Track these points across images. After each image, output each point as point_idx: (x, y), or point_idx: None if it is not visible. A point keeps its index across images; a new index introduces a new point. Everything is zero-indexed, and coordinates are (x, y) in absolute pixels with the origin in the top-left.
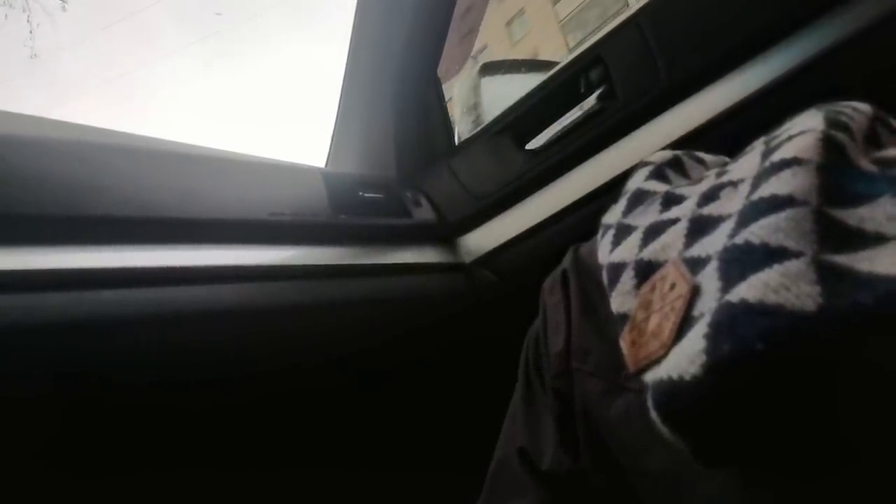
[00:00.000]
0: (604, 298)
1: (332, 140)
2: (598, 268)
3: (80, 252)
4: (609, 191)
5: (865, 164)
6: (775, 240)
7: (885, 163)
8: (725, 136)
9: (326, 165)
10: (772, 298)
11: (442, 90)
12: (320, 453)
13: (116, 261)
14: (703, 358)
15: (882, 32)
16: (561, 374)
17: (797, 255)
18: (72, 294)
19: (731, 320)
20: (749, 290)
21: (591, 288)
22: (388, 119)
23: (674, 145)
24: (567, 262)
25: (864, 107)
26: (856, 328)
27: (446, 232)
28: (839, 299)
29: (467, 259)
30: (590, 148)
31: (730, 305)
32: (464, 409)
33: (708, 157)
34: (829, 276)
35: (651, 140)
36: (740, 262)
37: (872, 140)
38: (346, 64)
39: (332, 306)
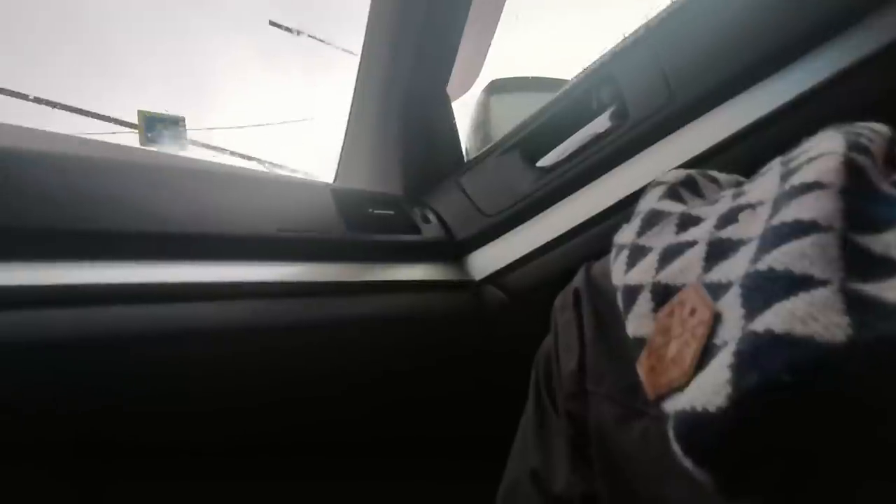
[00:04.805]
0: (618, 320)
1: (341, 156)
2: (612, 288)
3: (86, 268)
4: (620, 210)
5: (887, 187)
6: (800, 267)
7: None
8: (738, 156)
9: (335, 181)
10: (799, 329)
11: (451, 107)
12: (331, 469)
13: (122, 277)
14: (728, 389)
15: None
16: (573, 395)
17: (823, 283)
18: (77, 310)
19: (756, 351)
20: (774, 319)
21: (604, 308)
22: (397, 136)
23: (686, 165)
24: (579, 280)
25: (882, 128)
26: (886, 361)
27: (455, 249)
28: (868, 331)
29: (476, 277)
30: (601, 166)
31: (755, 335)
32: (472, 426)
33: (722, 177)
34: (857, 305)
35: (663, 159)
36: (764, 289)
37: (890, 163)
38: (356, 80)
39: (339, 323)
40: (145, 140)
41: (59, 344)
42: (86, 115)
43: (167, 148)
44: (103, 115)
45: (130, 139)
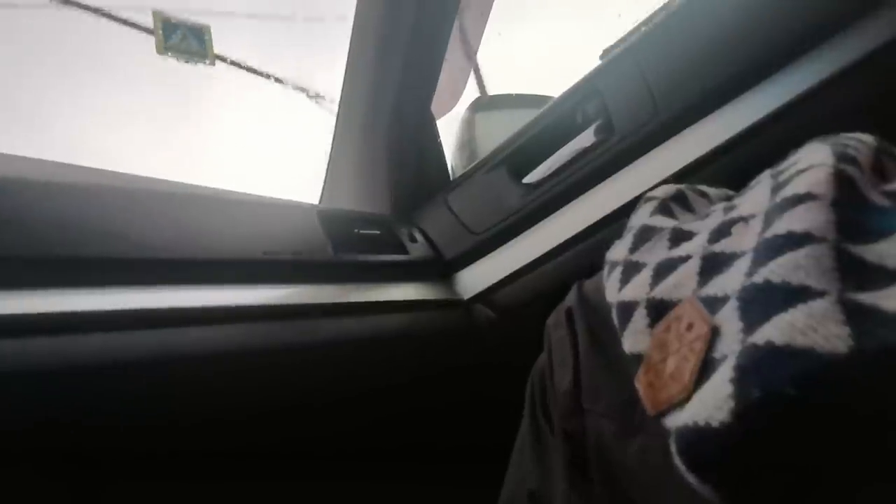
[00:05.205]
0: (612, 337)
1: (326, 177)
2: (606, 305)
3: (70, 295)
4: (607, 225)
5: (877, 197)
6: (796, 278)
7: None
8: (724, 167)
9: (320, 203)
10: (800, 341)
11: (436, 126)
12: (320, 492)
13: (107, 303)
14: (731, 404)
15: (879, 63)
16: (570, 414)
17: (821, 294)
18: (62, 338)
19: (757, 364)
20: (774, 331)
21: (598, 326)
22: (382, 155)
23: (673, 178)
24: (572, 298)
25: (868, 138)
26: (888, 370)
27: (444, 268)
28: (869, 340)
29: (465, 295)
30: (587, 181)
31: (755, 348)
32: (465, 446)
33: (711, 191)
34: (855, 315)
35: (649, 173)
36: (761, 302)
37: (878, 172)
38: (340, 100)
39: (328, 344)
40: (163, 48)
41: (39, 374)
42: (98, 13)
43: (190, 60)
44: (117, 17)
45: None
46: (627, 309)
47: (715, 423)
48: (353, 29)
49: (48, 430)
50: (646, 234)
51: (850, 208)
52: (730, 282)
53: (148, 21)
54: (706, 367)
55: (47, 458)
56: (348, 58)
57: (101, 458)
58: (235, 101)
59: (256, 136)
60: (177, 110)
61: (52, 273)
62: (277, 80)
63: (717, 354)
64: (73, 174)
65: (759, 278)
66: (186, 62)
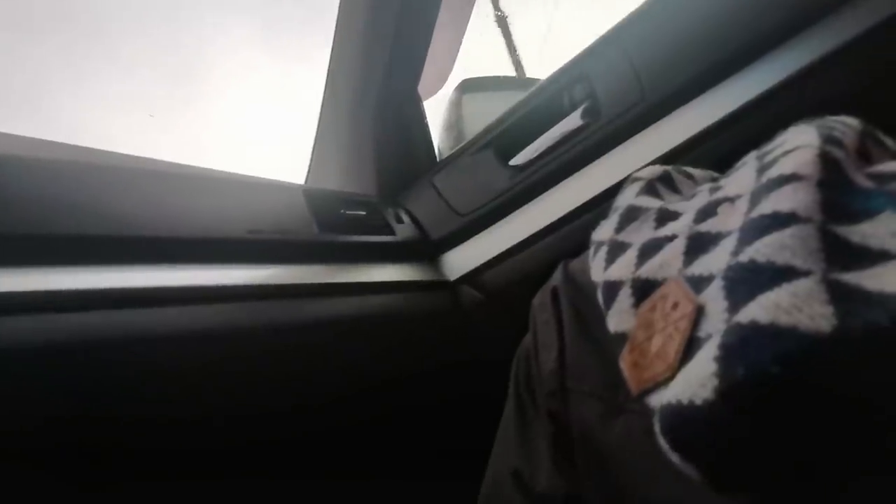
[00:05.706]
0: (598, 317)
1: (312, 157)
2: (591, 285)
3: (51, 273)
4: (594, 207)
5: (861, 179)
6: (782, 258)
7: (880, 178)
8: (710, 151)
9: (306, 182)
10: (784, 320)
11: (423, 107)
12: (303, 474)
13: (88, 282)
14: (715, 381)
15: (864, 48)
16: (554, 393)
17: (806, 273)
18: (43, 317)
19: (742, 342)
20: (759, 310)
21: (583, 305)
22: (368, 136)
23: (659, 161)
24: (557, 278)
25: (853, 121)
26: (873, 349)
27: (430, 249)
28: (853, 319)
29: (452, 276)
30: (574, 164)
31: (740, 327)
32: (450, 425)
33: (696, 172)
34: (840, 295)
35: (635, 156)
36: (747, 281)
37: (863, 155)
38: (326, 80)
39: (313, 325)
40: None
41: (18, 352)
42: None
43: None
44: None
45: None
46: (613, 288)
47: (698, 402)
48: (340, 8)
49: (20, 408)
50: (632, 214)
51: (836, 189)
52: (715, 261)
53: None
54: (691, 346)
55: (20, 431)
56: (335, 37)
57: (78, 434)
58: (239, 80)
59: (256, 119)
60: (176, 94)
61: (31, 251)
62: None
63: (701, 333)
64: (54, 151)
65: (744, 257)
66: None
